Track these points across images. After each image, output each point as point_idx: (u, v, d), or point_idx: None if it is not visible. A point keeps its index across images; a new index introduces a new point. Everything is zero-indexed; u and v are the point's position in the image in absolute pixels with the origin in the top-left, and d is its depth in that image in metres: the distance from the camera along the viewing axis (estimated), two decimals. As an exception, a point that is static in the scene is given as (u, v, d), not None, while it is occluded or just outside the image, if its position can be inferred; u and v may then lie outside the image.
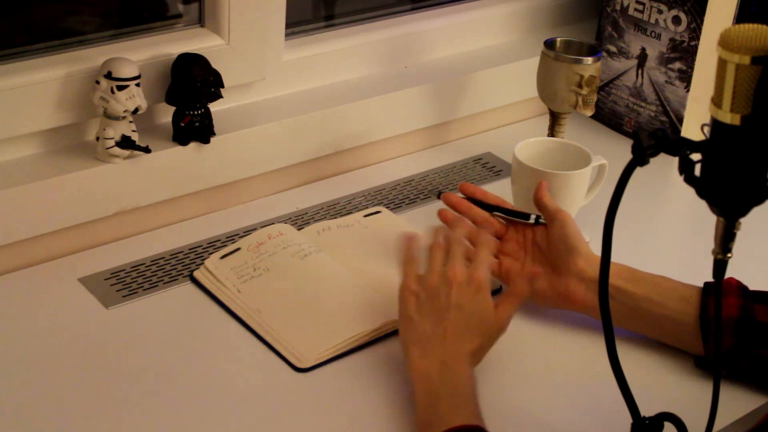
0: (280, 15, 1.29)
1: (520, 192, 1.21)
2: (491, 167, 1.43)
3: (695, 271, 1.03)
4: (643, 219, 1.32)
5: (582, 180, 1.19)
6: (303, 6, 1.44)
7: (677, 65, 1.45)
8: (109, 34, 1.22)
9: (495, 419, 0.93)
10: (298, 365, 1.01)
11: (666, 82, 1.47)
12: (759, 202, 0.77)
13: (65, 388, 0.96)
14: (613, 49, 1.53)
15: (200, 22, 1.27)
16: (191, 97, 1.18)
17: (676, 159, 0.77)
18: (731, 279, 1.01)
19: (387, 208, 1.29)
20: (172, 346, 1.03)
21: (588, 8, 1.68)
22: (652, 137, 0.76)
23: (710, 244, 0.80)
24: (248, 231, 1.21)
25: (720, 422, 0.91)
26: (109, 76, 1.11)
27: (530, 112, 1.58)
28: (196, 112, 1.18)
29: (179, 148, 1.20)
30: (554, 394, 1.01)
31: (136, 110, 1.13)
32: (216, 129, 1.22)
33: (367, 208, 1.29)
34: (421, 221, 1.26)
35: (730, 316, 0.98)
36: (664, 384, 1.02)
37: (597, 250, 0.83)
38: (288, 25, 1.31)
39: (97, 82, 1.11)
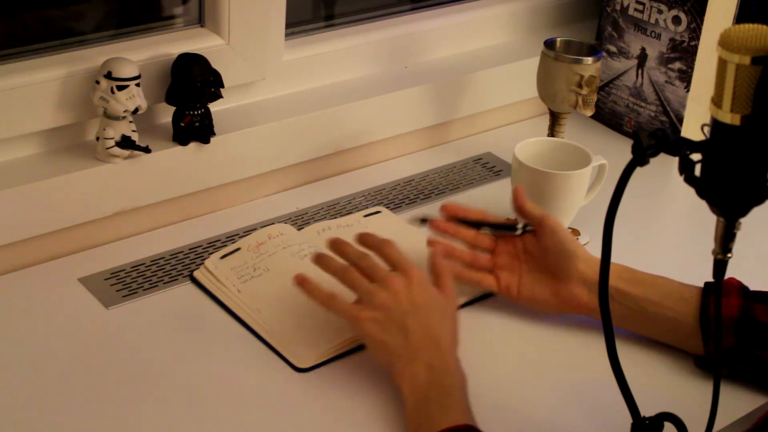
0: (280, 15, 1.29)
1: (520, 192, 1.21)
2: (491, 167, 1.43)
3: (695, 271, 1.03)
4: (643, 219, 1.32)
5: (582, 180, 1.19)
6: (303, 6, 1.44)
7: (677, 65, 1.45)
8: (109, 34, 1.22)
9: (495, 419, 0.93)
10: (298, 365, 1.01)
11: (666, 82, 1.47)
12: (759, 202, 0.77)
13: (65, 388, 0.96)
14: (613, 49, 1.53)
15: (200, 22, 1.27)
16: (191, 97, 1.18)
17: (676, 159, 0.77)
18: (732, 279, 1.01)
19: (387, 208, 1.29)
20: (172, 346, 1.03)
21: (588, 8, 1.68)
22: (652, 137, 0.76)
23: (710, 244, 0.81)
24: (248, 231, 1.21)
25: (720, 422, 0.91)
26: (109, 76, 1.11)
27: (530, 112, 1.58)
28: (196, 112, 1.18)
29: (179, 148, 1.20)
30: (554, 394, 1.01)
31: (136, 110, 1.13)
32: (216, 129, 1.22)
33: (367, 208, 1.29)
34: (421, 221, 1.26)
35: (730, 315, 0.98)
36: (664, 384, 1.02)
37: (597, 249, 0.83)
38: (288, 25, 1.31)
39: (97, 82, 1.11)
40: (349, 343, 1.03)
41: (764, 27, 0.72)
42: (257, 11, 1.25)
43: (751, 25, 0.72)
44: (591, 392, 1.01)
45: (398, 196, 1.34)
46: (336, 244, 1.02)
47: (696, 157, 0.77)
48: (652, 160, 0.77)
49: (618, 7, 1.51)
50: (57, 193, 1.12)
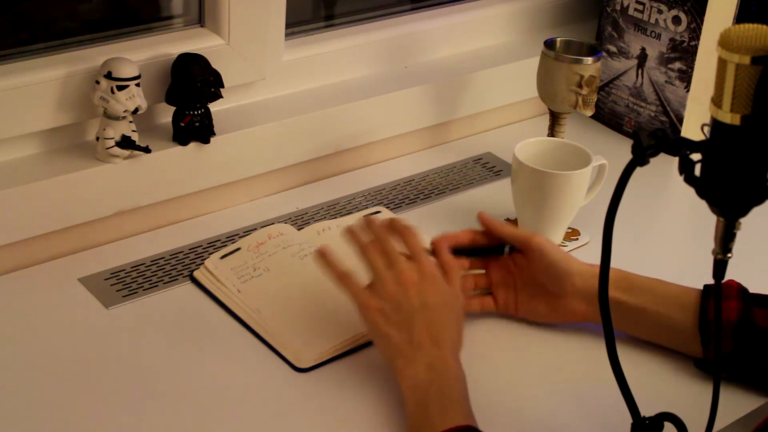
0: (280, 15, 1.29)
1: (520, 192, 1.21)
2: (491, 167, 1.43)
3: (695, 271, 1.03)
4: (643, 219, 1.32)
5: (582, 180, 1.19)
6: (303, 6, 1.44)
7: (677, 65, 1.45)
8: (109, 34, 1.22)
9: (495, 419, 0.93)
10: (298, 365, 1.01)
11: (666, 82, 1.47)
12: (759, 202, 0.77)
13: (65, 388, 0.96)
14: (613, 49, 1.53)
15: (200, 22, 1.27)
16: (191, 97, 1.18)
17: (676, 159, 0.77)
18: (731, 281, 1.01)
19: (387, 208, 1.29)
20: (172, 346, 1.03)
21: (588, 8, 1.68)
22: (652, 137, 0.76)
23: (710, 244, 0.80)
24: (248, 231, 1.21)
25: (720, 422, 0.91)
26: (109, 76, 1.11)
27: (530, 112, 1.58)
28: (196, 112, 1.18)
29: (179, 148, 1.20)
30: (554, 394, 1.01)
31: (136, 110, 1.13)
32: (216, 129, 1.22)
33: (367, 208, 1.29)
34: (421, 221, 1.26)
35: (729, 320, 0.98)
36: (664, 384, 1.02)
37: (597, 249, 0.83)
38: (288, 25, 1.31)
39: (97, 82, 1.11)
40: (349, 343, 1.03)
41: (764, 27, 0.72)
42: (257, 11, 1.25)
43: (751, 25, 0.72)
44: (591, 392, 1.01)
45: (398, 196, 1.34)
46: (367, 222, 1.02)
47: (696, 157, 0.77)
48: (652, 160, 0.77)
49: (618, 7, 1.51)
50: (57, 193, 1.12)
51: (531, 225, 1.21)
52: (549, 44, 1.33)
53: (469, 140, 1.51)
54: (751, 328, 0.98)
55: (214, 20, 1.25)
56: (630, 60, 1.51)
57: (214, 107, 1.21)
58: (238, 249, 1.14)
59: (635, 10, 1.48)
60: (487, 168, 1.43)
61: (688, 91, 1.44)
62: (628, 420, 0.87)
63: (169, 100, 1.18)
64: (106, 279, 1.12)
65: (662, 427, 0.88)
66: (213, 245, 1.19)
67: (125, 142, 1.14)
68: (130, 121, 1.14)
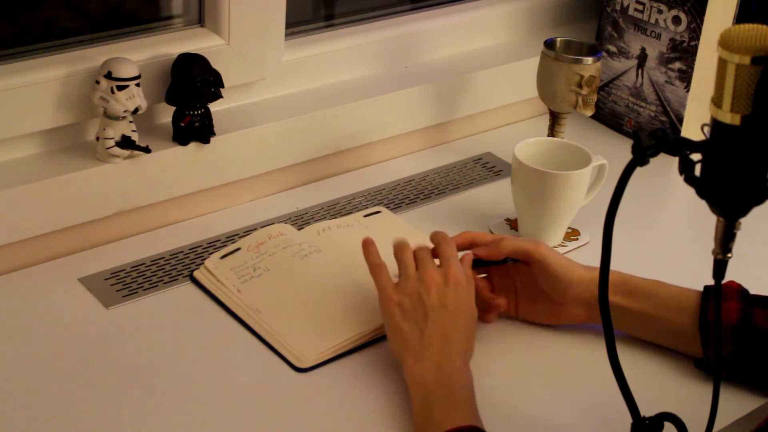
0: (280, 15, 1.29)
1: (520, 192, 1.21)
2: (491, 167, 1.43)
3: (695, 271, 1.03)
4: (643, 219, 1.32)
5: (582, 180, 1.19)
6: (303, 6, 1.44)
7: (677, 65, 1.45)
8: (109, 34, 1.22)
9: (495, 419, 0.93)
10: (298, 365, 1.01)
11: (666, 82, 1.47)
12: (759, 202, 0.77)
13: (65, 388, 0.96)
14: (613, 49, 1.53)
15: (200, 22, 1.27)
16: (191, 97, 1.18)
17: (676, 159, 0.77)
18: (732, 282, 1.01)
19: (387, 208, 1.29)
20: (172, 346, 1.03)
21: (588, 8, 1.68)
22: (652, 137, 0.76)
23: (710, 244, 0.80)
24: (248, 231, 1.21)
25: (720, 422, 0.91)
26: (109, 76, 1.11)
27: (530, 112, 1.58)
28: (196, 112, 1.18)
29: (179, 148, 1.20)
30: (554, 394, 1.01)
31: (136, 110, 1.13)
32: (216, 129, 1.22)
33: (367, 208, 1.29)
34: (421, 221, 1.26)
35: (729, 321, 0.98)
36: (664, 384, 1.02)
37: (597, 249, 0.83)
38: (288, 25, 1.31)
39: (97, 82, 1.11)
40: (349, 343, 1.03)
41: (764, 27, 0.72)
42: (257, 11, 1.25)
43: (751, 25, 0.72)
44: (591, 392, 1.01)
45: (398, 196, 1.34)
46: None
47: (696, 157, 0.77)
48: (652, 160, 0.77)
49: (618, 7, 1.51)
50: (57, 193, 1.12)
51: (531, 225, 1.21)
52: (549, 44, 1.33)
53: (469, 140, 1.51)
54: (751, 329, 0.98)
55: (214, 20, 1.25)
56: (630, 60, 1.51)
57: (214, 107, 1.21)
58: (238, 249, 1.14)
59: (635, 10, 1.48)
60: (487, 168, 1.43)
61: (688, 91, 1.44)
62: (628, 420, 0.87)
63: (169, 100, 1.18)
64: (106, 279, 1.12)
65: (662, 427, 0.88)
66: (213, 245, 1.19)
67: (125, 142, 1.14)
68: (130, 121, 1.14)
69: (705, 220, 0.84)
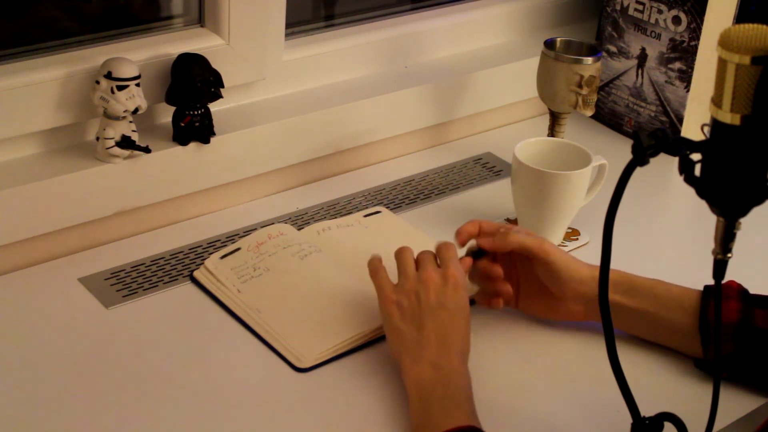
0: (280, 15, 1.29)
1: (520, 192, 1.21)
2: (491, 167, 1.43)
3: (695, 271, 1.03)
4: (643, 219, 1.32)
5: (582, 180, 1.19)
6: (303, 6, 1.44)
7: (677, 65, 1.45)
8: (109, 34, 1.22)
9: (495, 419, 0.93)
10: (298, 365, 1.01)
11: (666, 82, 1.47)
12: (759, 202, 0.77)
13: (65, 388, 0.96)
14: (613, 49, 1.53)
15: (200, 22, 1.27)
16: (191, 97, 1.18)
17: (676, 159, 0.77)
18: (732, 282, 1.01)
19: (387, 208, 1.29)
20: (172, 346, 1.03)
21: (588, 8, 1.68)
22: (652, 137, 0.76)
23: (710, 244, 0.80)
24: (248, 231, 1.21)
25: (720, 422, 0.91)
26: (109, 76, 1.11)
27: (530, 112, 1.58)
28: (196, 112, 1.18)
29: (179, 148, 1.20)
30: (554, 394, 1.01)
31: (136, 110, 1.13)
32: (216, 129, 1.22)
33: (367, 208, 1.29)
34: (421, 221, 1.26)
35: (729, 321, 0.98)
36: (664, 384, 1.02)
37: (597, 249, 0.83)
38: (288, 25, 1.31)
39: (97, 82, 1.11)
40: (349, 343, 1.03)
41: (764, 27, 0.72)
42: (257, 11, 1.25)
43: (751, 25, 0.72)
44: (591, 392, 1.01)
45: (398, 196, 1.34)
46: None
47: (696, 157, 0.77)
48: (652, 160, 0.77)
49: (618, 7, 1.51)
50: (57, 193, 1.12)
51: (531, 225, 1.20)
52: (549, 44, 1.33)
53: (469, 140, 1.51)
54: (751, 329, 0.98)
55: (214, 20, 1.25)
56: (630, 60, 1.51)
57: (214, 107, 1.21)
58: (238, 249, 1.14)
59: (635, 10, 1.48)
60: (487, 168, 1.43)
61: (688, 91, 1.44)
62: (628, 420, 0.87)
63: (169, 100, 1.18)
64: (106, 279, 1.12)
65: (662, 427, 0.88)
66: (213, 245, 1.19)
67: (125, 142, 1.14)
68: (130, 121, 1.14)
69: (705, 220, 0.84)
